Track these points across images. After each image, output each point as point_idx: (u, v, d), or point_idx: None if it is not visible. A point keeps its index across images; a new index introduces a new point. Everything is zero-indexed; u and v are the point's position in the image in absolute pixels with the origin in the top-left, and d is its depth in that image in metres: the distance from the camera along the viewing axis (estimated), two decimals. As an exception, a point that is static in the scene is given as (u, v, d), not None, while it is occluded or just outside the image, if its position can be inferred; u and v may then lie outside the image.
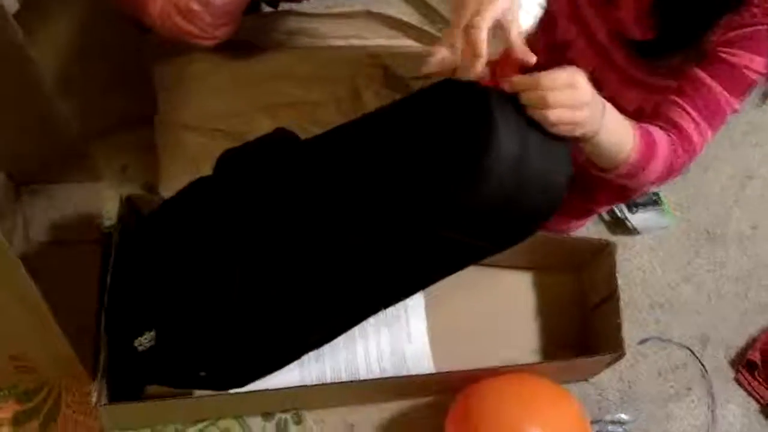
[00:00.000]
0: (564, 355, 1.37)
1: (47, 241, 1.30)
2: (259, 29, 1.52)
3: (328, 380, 1.23)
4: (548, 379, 1.22)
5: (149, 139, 1.41)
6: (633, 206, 1.57)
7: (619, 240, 1.54)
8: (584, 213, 1.46)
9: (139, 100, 1.41)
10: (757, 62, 1.03)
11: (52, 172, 1.32)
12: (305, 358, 1.18)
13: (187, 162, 1.36)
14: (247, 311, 1.03)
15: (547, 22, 1.29)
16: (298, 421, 1.26)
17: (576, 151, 0.98)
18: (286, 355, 1.13)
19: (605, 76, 1.19)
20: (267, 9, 1.59)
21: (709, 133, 1.06)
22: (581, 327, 1.41)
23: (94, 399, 1.08)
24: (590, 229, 1.57)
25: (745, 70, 1.04)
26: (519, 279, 1.44)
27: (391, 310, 1.14)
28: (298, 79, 1.46)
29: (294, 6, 1.58)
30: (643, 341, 1.46)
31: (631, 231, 1.58)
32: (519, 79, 0.90)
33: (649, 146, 1.02)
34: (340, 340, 1.16)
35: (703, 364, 1.46)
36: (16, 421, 1.19)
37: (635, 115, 1.07)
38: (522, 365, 1.26)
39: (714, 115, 1.05)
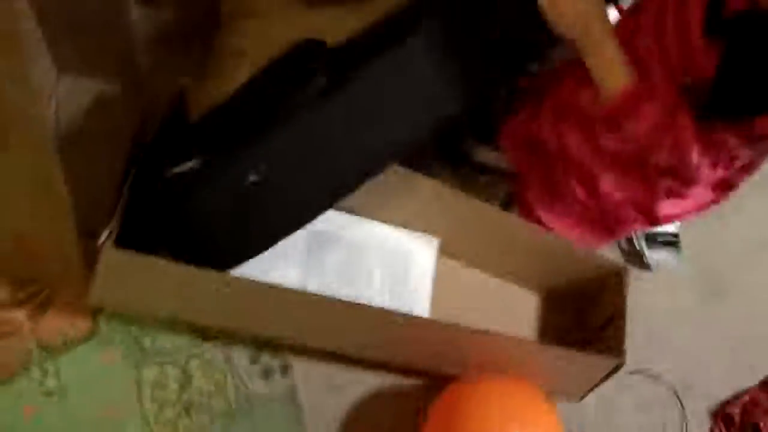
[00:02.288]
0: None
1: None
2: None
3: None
4: (536, 389, 1.23)
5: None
6: (651, 242, 1.58)
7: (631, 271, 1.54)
8: (609, 233, 1.46)
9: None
10: None
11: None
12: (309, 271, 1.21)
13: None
14: None
15: None
16: (284, 372, 1.26)
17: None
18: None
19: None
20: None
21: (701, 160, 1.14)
22: (584, 346, 1.41)
23: (102, 238, 1.07)
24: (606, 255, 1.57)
25: None
26: (526, 294, 1.46)
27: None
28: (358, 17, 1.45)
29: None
30: (632, 372, 1.47)
31: (644, 265, 1.58)
32: None
33: (640, 100, 1.12)
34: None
35: (683, 407, 1.47)
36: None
37: None
38: (522, 341, 1.27)
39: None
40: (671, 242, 1.61)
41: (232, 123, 1.13)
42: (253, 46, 1.36)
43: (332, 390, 1.28)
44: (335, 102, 1.11)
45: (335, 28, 1.44)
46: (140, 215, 1.10)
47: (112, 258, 1.07)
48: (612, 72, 1.15)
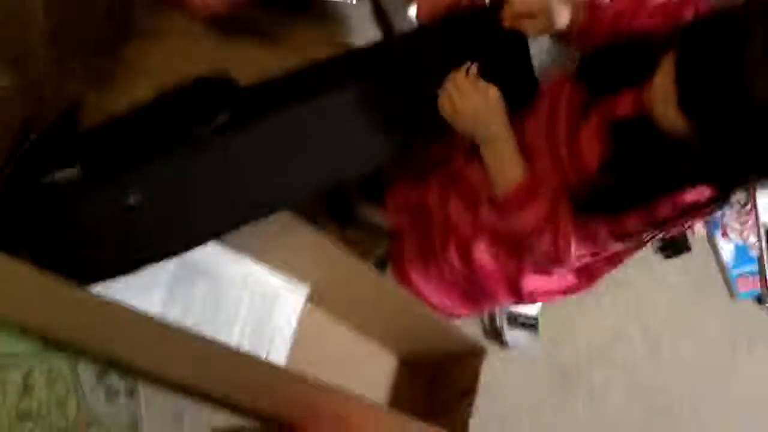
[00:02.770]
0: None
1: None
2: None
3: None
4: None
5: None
6: (512, 322, 1.65)
7: (488, 345, 1.59)
8: (474, 303, 1.51)
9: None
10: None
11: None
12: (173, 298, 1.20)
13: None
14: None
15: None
16: (131, 393, 1.24)
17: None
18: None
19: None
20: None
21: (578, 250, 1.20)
22: (429, 415, 1.44)
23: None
24: (467, 328, 1.62)
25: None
26: (385, 355, 1.49)
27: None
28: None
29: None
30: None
31: (503, 343, 1.64)
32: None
33: (530, 195, 1.18)
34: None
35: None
36: None
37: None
38: (368, 403, 1.28)
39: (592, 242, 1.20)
40: (531, 324, 1.68)
41: (121, 142, 1.12)
42: (160, 67, 1.36)
43: (176, 421, 1.26)
44: (232, 142, 1.12)
45: (245, 63, 1.46)
46: (8, 211, 1.07)
47: None
48: (506, 171, 1.22)
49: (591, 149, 1.17)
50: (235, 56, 1.44)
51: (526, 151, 1.24)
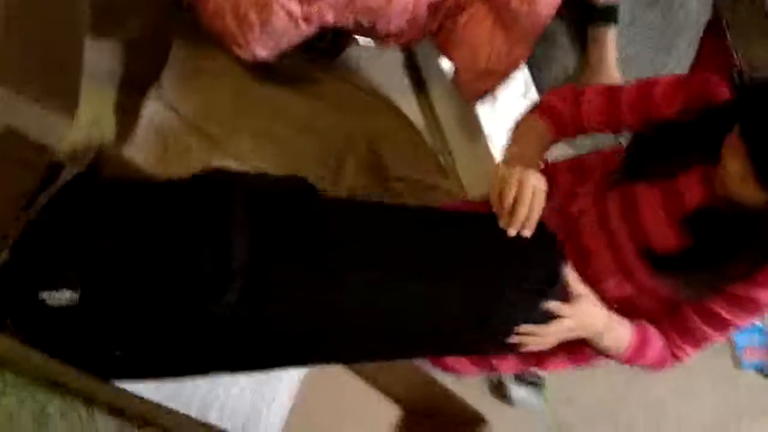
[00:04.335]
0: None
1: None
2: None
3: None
4: None
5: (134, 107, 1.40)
6: (520, 379, 1.65)
7: (492, 402, 1.61)
8: (486, 367, 1.51)
9: (147, 66, 1.41)
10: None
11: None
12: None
13: (158, 141, 1.37)
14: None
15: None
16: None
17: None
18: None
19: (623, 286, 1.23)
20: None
21: (696, 351, 1.19)
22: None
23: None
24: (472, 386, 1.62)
25: (752, 306, 1.12)
26: (390, 406, 1.49)
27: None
28: (294, 120, 1.49)
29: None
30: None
31: (506, 399, 1.65)
32: None
33: (643, 344, 1.16)
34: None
35: None
36: None
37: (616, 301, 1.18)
38: None
39: (706, 341, 1.18)
40: (536, 383, 1.69)
41: (121, 276, 1.06)
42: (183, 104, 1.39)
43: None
44: (233, 331, 1.05)
45: (278, 109, 1.48)
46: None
47: None
48: (620, 346, 1.17)
49: (663, 234, 1.15)
50: (267, 100, 1.47)
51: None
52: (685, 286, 1.18)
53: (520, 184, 1.05)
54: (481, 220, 1.12)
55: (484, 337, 1.13)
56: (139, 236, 1.07)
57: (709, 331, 1.16)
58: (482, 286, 1.09)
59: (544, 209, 1.08)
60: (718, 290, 1.14)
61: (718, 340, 1.18)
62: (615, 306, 1.17)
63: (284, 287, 1.04)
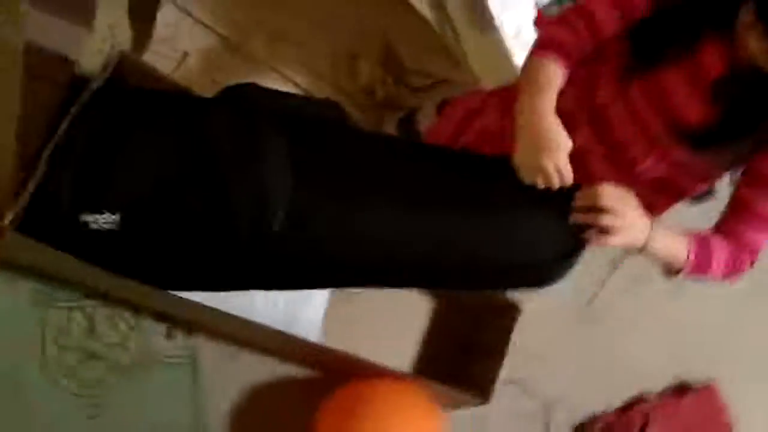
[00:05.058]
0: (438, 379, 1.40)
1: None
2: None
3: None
4: (424, 394, 1.30)
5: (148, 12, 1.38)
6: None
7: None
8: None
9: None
10: None
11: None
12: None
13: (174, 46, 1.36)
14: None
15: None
16: (188, 333, 1.27)
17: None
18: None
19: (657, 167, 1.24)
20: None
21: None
22: (460, 361, 1.49)
23: (7, 219, 1.01)
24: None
25: None
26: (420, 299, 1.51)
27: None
28: (310, 19, 1.48)
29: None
30: (506, 383, 1.56)
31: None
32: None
33: (705, 259, 1.14)
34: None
35: (548, 421, 1.58)
36: None
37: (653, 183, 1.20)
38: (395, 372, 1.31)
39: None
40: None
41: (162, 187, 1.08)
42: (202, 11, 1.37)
43: (234, 360, 1.30)
44: (275, 255, 1.09)
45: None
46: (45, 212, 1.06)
47: (14, 244, 1.04)
48: (677, 256, 1.14)
49: (692, 109, 1.16)
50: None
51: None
52: (722, 161, 1.20)
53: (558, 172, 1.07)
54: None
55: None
56: (179, 159, 1.09)
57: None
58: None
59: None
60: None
61: None
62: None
63: (321, 214, 1.09)
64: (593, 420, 1.64)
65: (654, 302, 1.87)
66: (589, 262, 1.73)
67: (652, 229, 1.10)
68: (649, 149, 1.21)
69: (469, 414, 1.48)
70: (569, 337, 1.72)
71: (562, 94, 1.13)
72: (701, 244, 1.15)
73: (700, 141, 1.16)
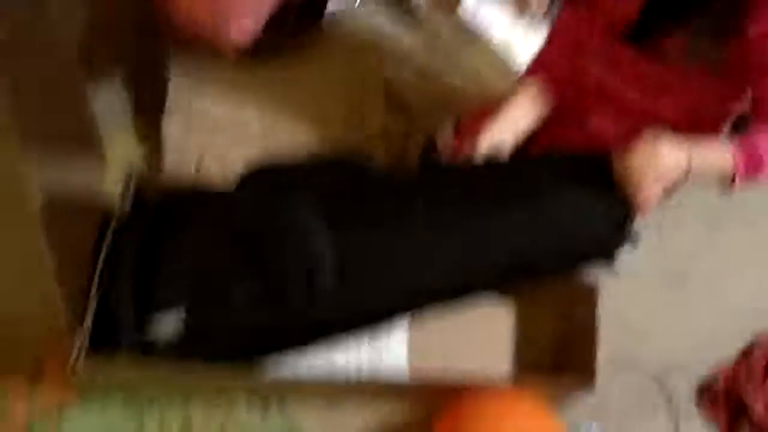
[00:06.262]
0: (536, 376, 1.42)
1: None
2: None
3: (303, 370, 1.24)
4: (529, 394, 1.28)
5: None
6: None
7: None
8: None
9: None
10: None
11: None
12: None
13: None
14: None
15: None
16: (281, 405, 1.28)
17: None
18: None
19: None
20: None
21: None
22: (556, 353, 1.47)
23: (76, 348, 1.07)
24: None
25: None
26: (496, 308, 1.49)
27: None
28: (311, 89, 1.55)
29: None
30: (613, 364, 1.51)
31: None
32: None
33: (754, 157, 1.13)
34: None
35: (668, 392, 1.52)
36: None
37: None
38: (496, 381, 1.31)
39: None
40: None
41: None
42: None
43: (330, 419, 1.30)
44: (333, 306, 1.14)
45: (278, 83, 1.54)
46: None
47: (89, 370, 1.09)
48: (723, 168, 1.15)
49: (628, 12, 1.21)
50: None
51: None
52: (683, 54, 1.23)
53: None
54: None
55: None
56: (223, 251, 1.15)
57: None
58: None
59: None
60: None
61: None
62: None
63: (366, 251, 1.13)
64: (715, 376, 1.56)
65: (734, 248, 1.81)
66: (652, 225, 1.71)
67: (687, 153, 1.10)
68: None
69: (587, 405, 1.45)
70: (661, 303, 1.66)
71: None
72: (743, 143, 1.14)
73: (637, 33, 1.21)
